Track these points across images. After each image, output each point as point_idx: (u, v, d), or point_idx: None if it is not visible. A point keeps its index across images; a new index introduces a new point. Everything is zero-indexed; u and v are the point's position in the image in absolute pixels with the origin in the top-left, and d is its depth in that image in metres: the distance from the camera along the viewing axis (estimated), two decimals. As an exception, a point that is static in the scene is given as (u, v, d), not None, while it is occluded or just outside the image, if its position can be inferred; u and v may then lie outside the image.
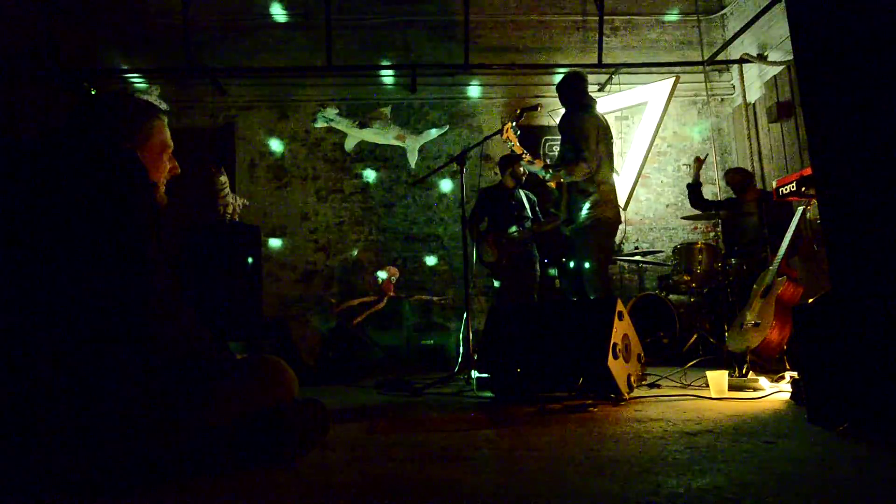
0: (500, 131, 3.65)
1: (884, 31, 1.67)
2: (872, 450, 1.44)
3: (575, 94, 3.72)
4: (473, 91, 6.43)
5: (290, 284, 6.11)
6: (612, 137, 3.73)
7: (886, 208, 1.65)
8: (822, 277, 4.05)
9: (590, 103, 3.74)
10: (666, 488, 1.16)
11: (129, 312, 1.28)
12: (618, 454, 1.49)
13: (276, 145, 6.26)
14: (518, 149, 3.69)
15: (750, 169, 6.12)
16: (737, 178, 4.96)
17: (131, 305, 1.28)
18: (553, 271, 4.71)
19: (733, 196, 5.05)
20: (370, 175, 6.28)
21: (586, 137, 3.52)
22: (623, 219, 3.72)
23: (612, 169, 3.68)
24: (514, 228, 4.56)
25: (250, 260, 4.92)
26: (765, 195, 4.86)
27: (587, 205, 3.57)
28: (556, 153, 6.43)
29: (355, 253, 6.05)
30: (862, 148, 1.73)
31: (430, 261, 6.21)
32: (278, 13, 6.36)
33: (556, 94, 3.86)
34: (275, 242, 6.13)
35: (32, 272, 1.25)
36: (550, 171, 3.66)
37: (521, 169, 4.66)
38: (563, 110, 3.75)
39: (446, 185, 6.29)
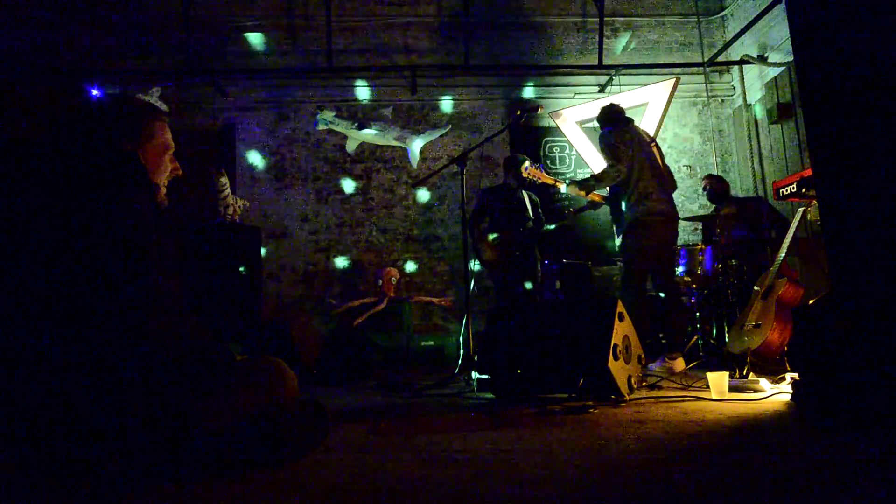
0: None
1: (883, 31, 1.67)
2: (873, 450, 1.44)
3: (608, 116, 4.00)
4: (474, 92, 6.43)
5: (291, 285, 6.11)
6: (648, 144, 3.89)
7: (886, 209, 1.65)
8: (822, 278, 4.05)
9: (620, 120, 3.95)
10: (667, 489, 1.16)
11: (130, 314, 1.28)
12: (619, 455, 1.49)
13: (276, 146, 6.26)
14: (549, 180, 4.02)
15: (750, 170, 6.13)
16: (718, 185, 4.95)
17: (132, 307, 1.28)
18: (529, 285, 4.72)
19: (712, 206, 5.02)
20: (370, 176, 6.28)
21: (613, 147, 3.74)
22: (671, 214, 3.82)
23: (650, 172, 3.77)
24: (494, 235, 4.61)
25: (242, 269, 4.91)
26: (742, 200, 4.86)
27: (627, 206, 3.74)
28: (556, 154, 6.47)
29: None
30: (862, 148, 1.73)
31: (431, 262, 6.21)
32: (278, 14, 6.36)
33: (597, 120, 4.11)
34: (274, 244, 6.13)
35: (33, 273, 1.25)
36: (583, 185, 3.87)
37: (525, 171, 4.69)
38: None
39: (447, 187, 6.29)
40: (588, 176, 3.98)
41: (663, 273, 3.78)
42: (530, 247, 4.67)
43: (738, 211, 4.71)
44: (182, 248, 4.93)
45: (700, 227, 6.31)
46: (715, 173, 5.64)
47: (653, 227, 3.69)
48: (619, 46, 6.43)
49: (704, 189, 5.08)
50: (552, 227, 4.58)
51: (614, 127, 3.89)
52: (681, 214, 5.57)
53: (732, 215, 4.70)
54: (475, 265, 4.78)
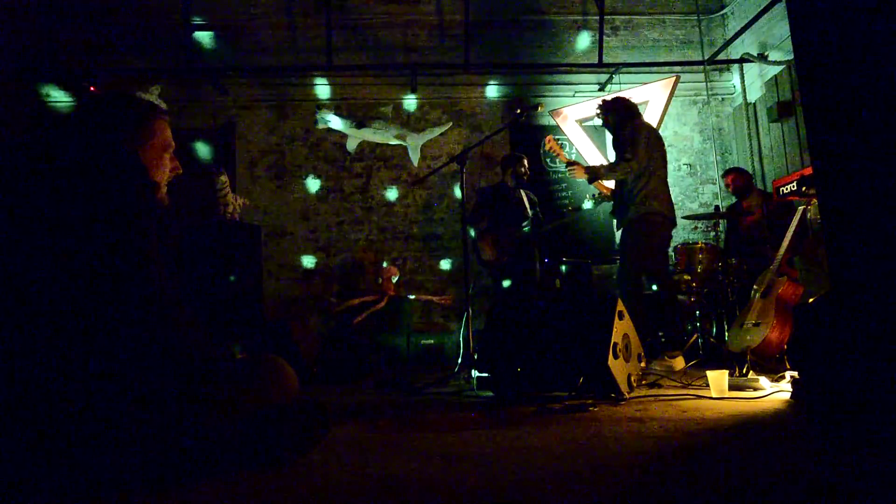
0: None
1: (884, 31, 1.67)
2: (873, 450, 1.44)
3: (627, 110, 3.95)
4: (473, 91, 6.43)
5: (291, 284, 6.11)
6: (663, 145, 3.90)
7: (886, 208, 1.65)
8: (822, 277, 4.05)
9: (639, 114, 3.98)
10: (667, 488, 1.16)
11: (130, 313, 1.28)
12: (618, 454, 1.49)
13: (276, 145, 6.26)
14: (565, 159, 4.17)
15: (750, 169, 6.13)
16: (740, 179, 4.96)
17: (132, 306, 1.28)
18: (527, 283, 4.79)
19: (734, 199, 5.06)
20: (370, 174, 6.28)
21: (635, 142, 3.72)
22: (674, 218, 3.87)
23: (663, 172, 3.81)
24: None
25: (232, 278, 4.86)
26: (766, 195, 4.88)
27: (636, 200, 3.74)
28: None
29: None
30: (862, 148, 1.73)
31: (431, 261, 6.21)
32: (279, 12, 6.35)
33: (604, 114, 4.00)
34: (274, 243, 6.13)
35: (33, 273, 1.25)
36: (591, 171, 3.88)
37: (523, 169, 4.72)
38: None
39: (446, 185, 6.29)
40: (600, 164, 4.05)
41: (657, 272, 3.79)
42: (529, 245, 4.67)
43: (761, 201, 4.72)
44: (182, 246, 4.93)
45: (699, 226, 6.32)
46: (738, 166, 5.56)
47: (654, 226, 3.70)
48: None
49: (728, 185, 5.03)
50: (526, 227, 4.61)
51: (641, 121, 3.89)
52: (681, 213, 5.62)
53: (756, 206, 4.71)
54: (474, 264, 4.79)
